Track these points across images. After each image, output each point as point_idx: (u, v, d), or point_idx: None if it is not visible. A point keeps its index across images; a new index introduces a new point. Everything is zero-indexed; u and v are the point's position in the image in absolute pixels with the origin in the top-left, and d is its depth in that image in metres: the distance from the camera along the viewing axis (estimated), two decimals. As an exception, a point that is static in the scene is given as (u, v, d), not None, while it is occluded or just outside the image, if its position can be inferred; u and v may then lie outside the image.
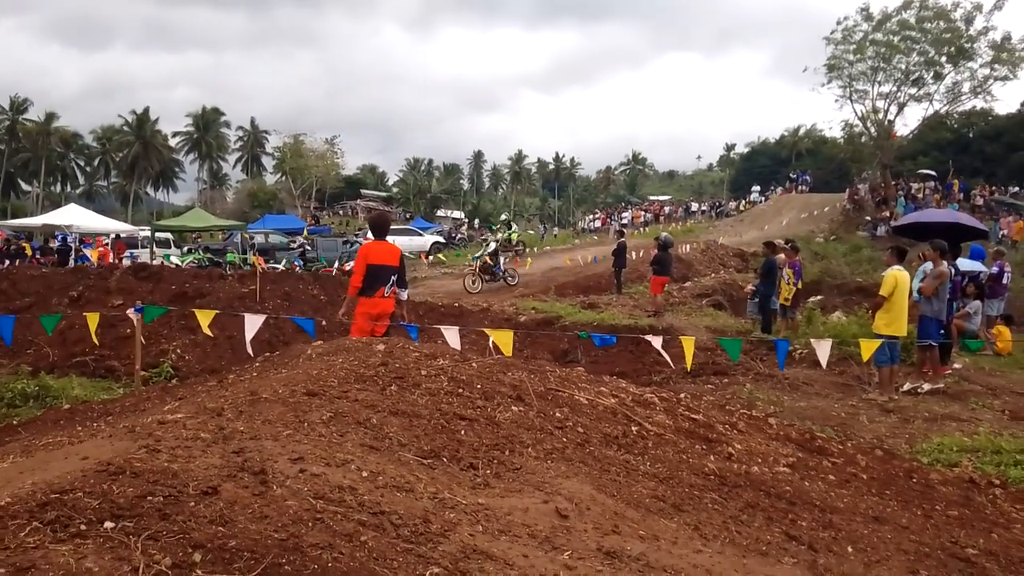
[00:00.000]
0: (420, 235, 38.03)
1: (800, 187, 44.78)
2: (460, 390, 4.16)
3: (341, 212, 76.15)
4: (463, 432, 3.48)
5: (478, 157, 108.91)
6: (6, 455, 3.90)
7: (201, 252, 26.01)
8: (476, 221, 69.63)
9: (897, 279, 7.97)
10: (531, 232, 49.23)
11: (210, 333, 7.71)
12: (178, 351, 10.76)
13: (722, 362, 10.26)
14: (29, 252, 22.59)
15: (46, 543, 1.82)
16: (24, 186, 77.39)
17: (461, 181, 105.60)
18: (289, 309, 13.50)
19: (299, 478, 2.52)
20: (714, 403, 6.48)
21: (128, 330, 11.16)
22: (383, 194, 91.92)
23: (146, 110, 77.88)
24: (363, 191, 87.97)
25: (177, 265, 20.91)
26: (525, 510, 2.81)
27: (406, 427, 3.36)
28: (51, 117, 74.86)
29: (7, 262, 19.87)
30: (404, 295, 6.83)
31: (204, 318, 6.64)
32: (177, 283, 13.21)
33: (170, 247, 29.77)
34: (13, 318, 6.60)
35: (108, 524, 1.98)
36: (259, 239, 28.27)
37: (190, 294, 12.88)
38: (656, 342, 6.63)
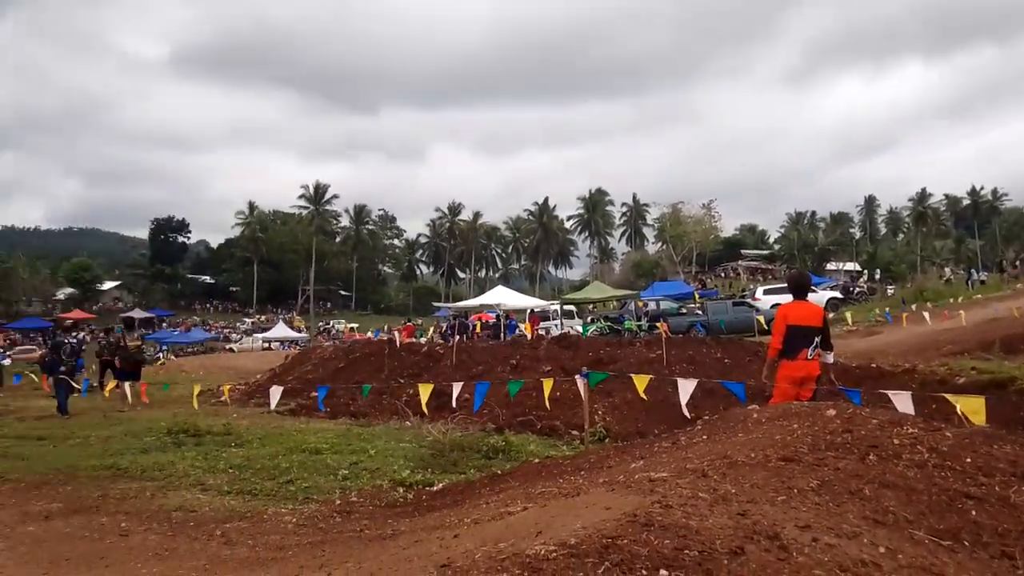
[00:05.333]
0: (814, 291, 35.45)
1: None
2: (947, 463, 3.69)
3: (723, 275, 75.72)
4: (973, 512, 3.06)
5: (870, 202, 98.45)
6: (514, 499, 4.65)
7: (602, 321, 28.18)
8: (876, 272, 62.56)
9: None
10: (952, 280, 42.13)
11: (644, 397, 8.21)
12: (600, 412, 11.69)
13: None
14: (479, 329, 27.23)
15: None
16: (460, 274, 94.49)
17: (851, 230, 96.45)
18: (695, 373, 13.73)
19: (814, 547, 2.48)
20: None
21: (557, 393, 12.60)
22: (764, 252, 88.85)
23: (545, 200, 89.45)
24: (743, 251, 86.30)
25: (583, 334, 23.01)
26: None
27: (904, 502, 3.09)
28: (477, 215, 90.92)
29: (459, 337, 24.19)
30: (829, 358, 6.41)
31: (640, 382, 7.14)
32: (593, 351, 14.49)
33: (573, 318, 33.03)
34: (487, 385, 7.95)
35: (663, 572, 2.20)
36: (651, 306, 29.55)
37: (604, 360, 14.00)
38: None
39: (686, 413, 6.76)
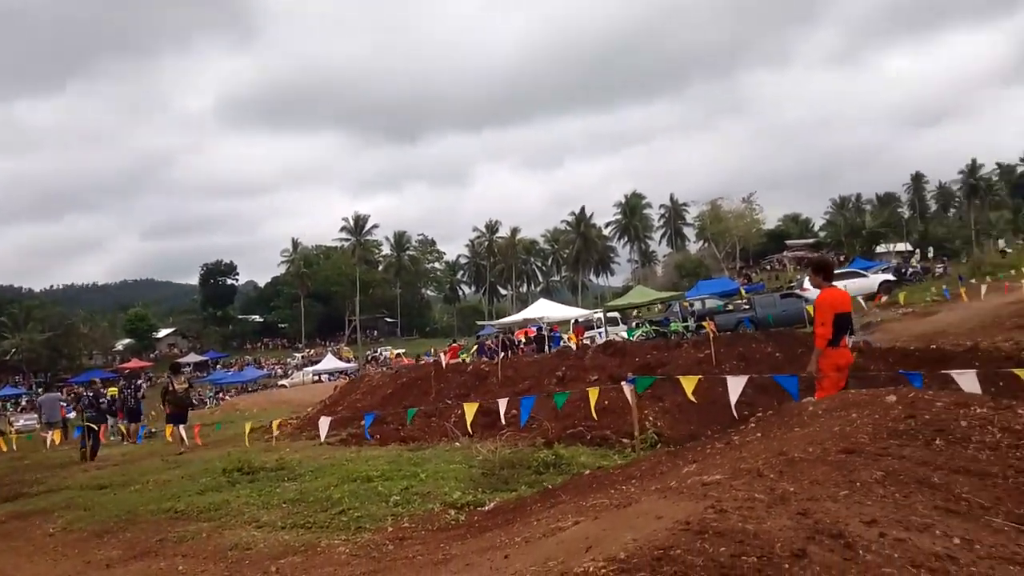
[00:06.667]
0: (864, 275, 34.41)
1: None
2: (1023, 442, 3.44)
3: (768, 268, 74.28)
4: (1058, 494, 2.83)
5: (918, 179, 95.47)
6: (565, 514, 4.52)
7: (648, 325, 27.80)
8: (929, 250, 60.57)
9: None
10: (1010, 252, 40.44)
11: (694, 399, 8.00)
12: (650, 418, 11.43)
13: None
14: (525, 341, 27.22)
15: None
16: (502, 291, 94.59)
17: (900, 210, 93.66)
18: (746, 370, 13.35)
19: (882, 543, 2.31)
20: None
21: (606, 402, 12.37)
22: (810, 241, 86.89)
23: (582, 209, 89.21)
24: (787, 242, 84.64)
25: (628, 340, 22.70)
26: None
27: (978, 487, 2.87)
28: (515, 231, 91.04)
29: (503, 353, 24.13)
30: (850, 342, 6.39)
31: (688, 384, 6.94)
32: (640, 356, 14.23)
33: (618, 325, 32.67)
34: (533, 399, 7.83)
35: (719, 581, 2.06)
36: (697, 305, 29.05)
37: (652, 364, 13.71)
38: None
39: (734, 413, 6.53)
